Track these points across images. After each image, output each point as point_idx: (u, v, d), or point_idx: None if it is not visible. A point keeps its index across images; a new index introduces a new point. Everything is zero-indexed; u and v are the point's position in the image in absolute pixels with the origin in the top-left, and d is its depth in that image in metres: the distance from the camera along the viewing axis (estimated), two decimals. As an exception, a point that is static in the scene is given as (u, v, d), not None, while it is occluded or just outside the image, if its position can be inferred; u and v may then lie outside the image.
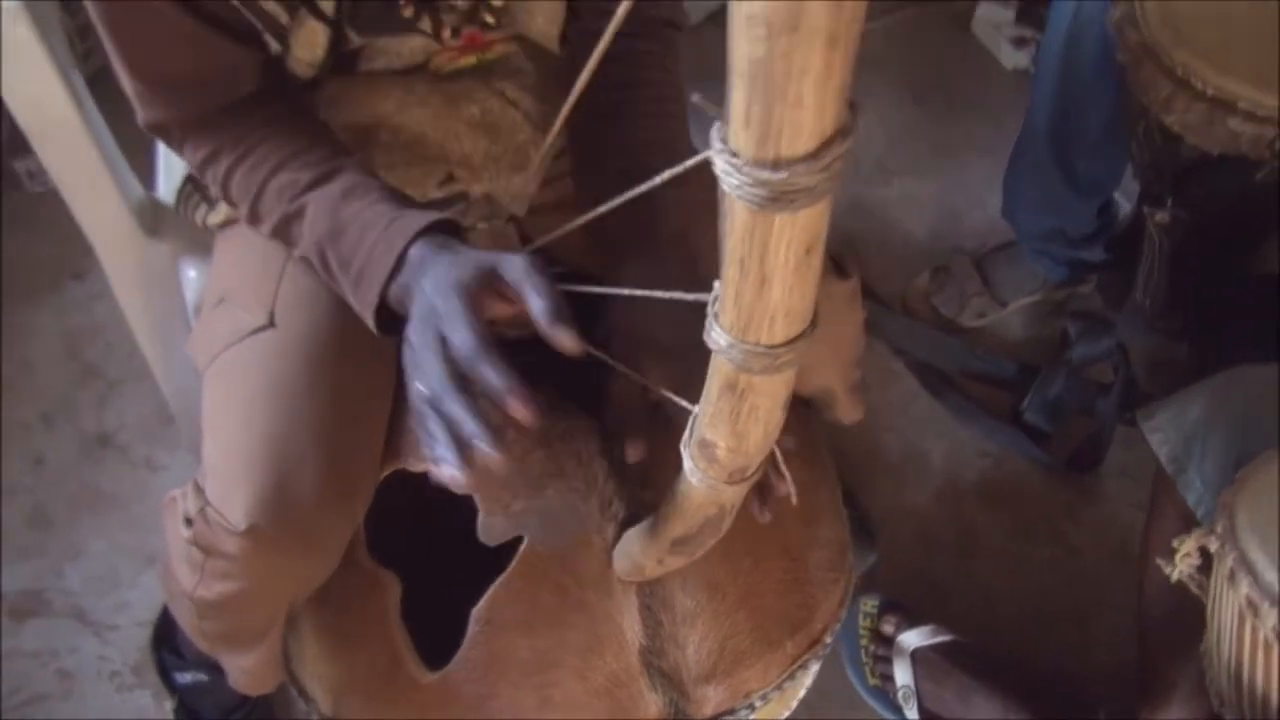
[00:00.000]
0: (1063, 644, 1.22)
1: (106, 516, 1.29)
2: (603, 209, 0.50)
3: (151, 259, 0.93)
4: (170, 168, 0.97)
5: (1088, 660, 1.21)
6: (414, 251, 0.60)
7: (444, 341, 0.53)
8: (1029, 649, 1.21)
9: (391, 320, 0.62)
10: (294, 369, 0.72)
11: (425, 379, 0.54)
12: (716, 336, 0.44)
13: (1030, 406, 1.34)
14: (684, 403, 0.52)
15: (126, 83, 0.68)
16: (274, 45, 0.68)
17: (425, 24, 0.75)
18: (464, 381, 0.52)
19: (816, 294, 0.43)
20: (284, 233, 0.69)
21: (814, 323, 0.44)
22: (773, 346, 0.43)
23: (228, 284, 0.81)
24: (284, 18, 0.66)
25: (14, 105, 0.81)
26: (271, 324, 0.74)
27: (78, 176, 0.86)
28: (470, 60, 0.79)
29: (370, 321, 0.63)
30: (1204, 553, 0.74)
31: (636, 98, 0.77)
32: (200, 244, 0.92)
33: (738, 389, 0.46)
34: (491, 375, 0.51)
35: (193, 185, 0.86)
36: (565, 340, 0.52)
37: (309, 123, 0.74)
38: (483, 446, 0.50)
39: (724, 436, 0.49)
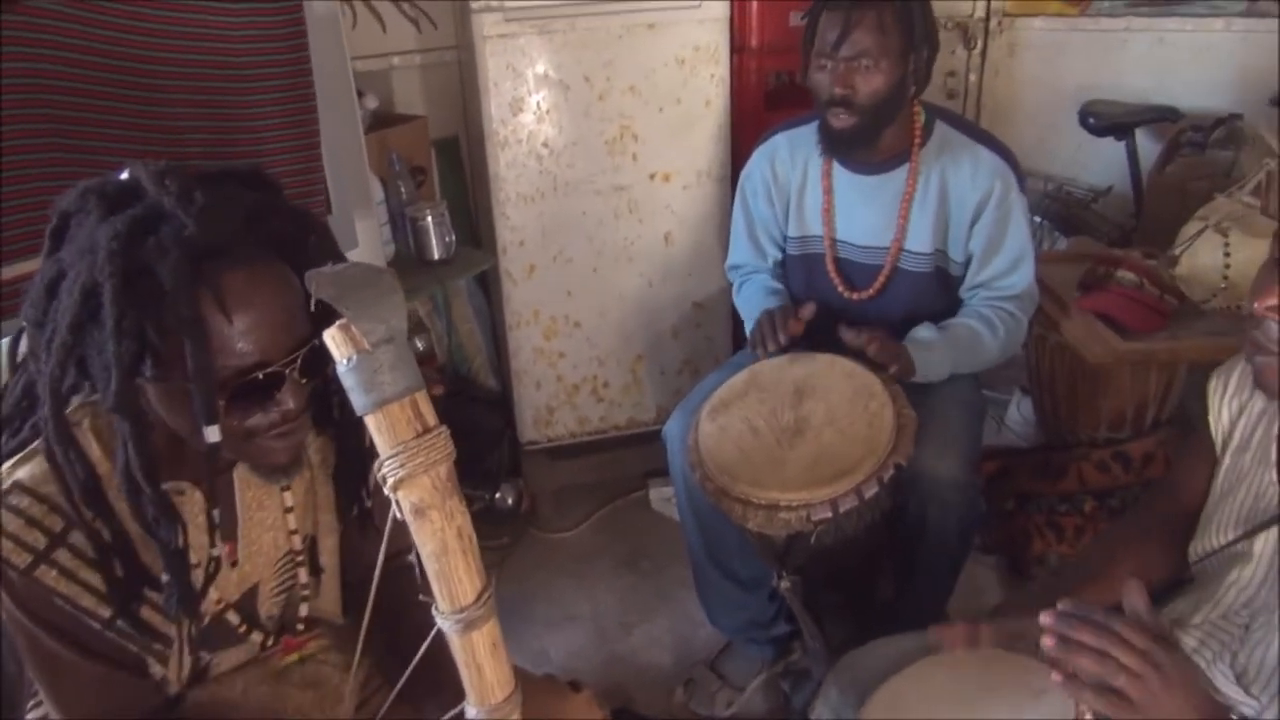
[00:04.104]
0: None
1: None
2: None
3: None
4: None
5: None
6: None
7: None
8: None
9: None
10: None
11: None
12: (470, 712, 0.83)
13: (785, 757, 1.70)
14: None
15: None
16: (157, 670, 1.03)
17: (255, 635, 1.13)
18: None
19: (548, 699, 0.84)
20: None
21: (518, 688, 0.85)
22: (499, 704, 0.83)
23: None
24: (163, 647, 1.02)
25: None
26: None
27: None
28: (294, 658, 1.17)
29: None
30: (856, 774, 1.12)
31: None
32: None
33: (492, 737, 0.84)
34: None
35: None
36: None
37: None
38: None
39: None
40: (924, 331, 1.72)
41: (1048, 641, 0.87)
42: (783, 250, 1.94)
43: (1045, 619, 0.88)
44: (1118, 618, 0.88)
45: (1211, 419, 1.18)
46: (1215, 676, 1.06)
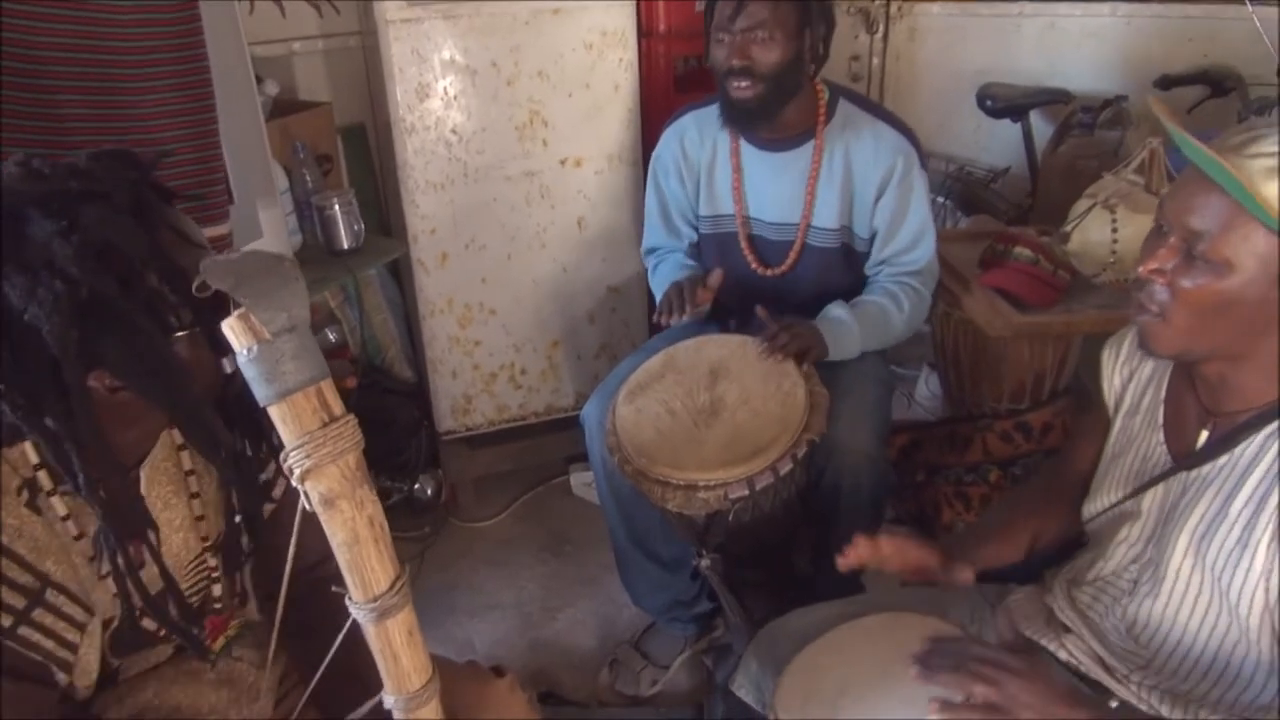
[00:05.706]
0: None
1: None
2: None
3: None
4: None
5: None
6: None
7: None
8: None
9: None
10: None
11: None
12: (387, 701, 0.82)
13: (712, 732, 1.73)
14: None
15: None
16: (62, 678, 1.00)
17: (172, 639, 1.10)
18: None
19: (469, 687, 0.85)
20: None
21: (435, 674, 0.84)
22: (417, 691, 0.83)
23: None
24: (69, 654, 0.99)
25: None
26: None
27: None
28: (222, 641, 1.14)
29: None
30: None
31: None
32: None
33: (412, 722, 0.84)
34: None
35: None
36: None
37: None
38: None
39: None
40: (837, 310, 1.76)
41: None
42: (696, 230, 1.96)
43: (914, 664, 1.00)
44: (970, 641, 1.03)
45: (1105, 385, 1.24)
46: (1108, 630, 1.12)
